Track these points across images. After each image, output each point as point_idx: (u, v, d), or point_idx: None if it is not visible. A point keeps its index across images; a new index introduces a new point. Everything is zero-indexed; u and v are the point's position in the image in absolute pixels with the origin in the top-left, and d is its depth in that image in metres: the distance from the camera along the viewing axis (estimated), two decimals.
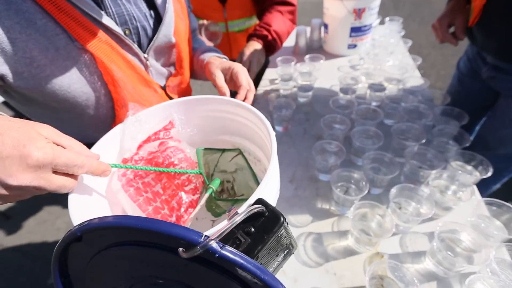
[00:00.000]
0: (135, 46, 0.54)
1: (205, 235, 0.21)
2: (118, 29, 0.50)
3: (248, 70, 0.84)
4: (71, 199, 0.34)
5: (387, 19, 1.44)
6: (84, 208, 0.35)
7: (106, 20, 0.48)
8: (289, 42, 1.53)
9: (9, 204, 1.81)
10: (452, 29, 0.97)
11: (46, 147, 0.29)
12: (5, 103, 1.76)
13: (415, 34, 3.28)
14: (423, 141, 0.73)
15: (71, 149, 0.33)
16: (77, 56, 0.46)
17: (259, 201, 0.27)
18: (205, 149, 0.51)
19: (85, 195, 0.37)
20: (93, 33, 0.46)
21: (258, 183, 0.46)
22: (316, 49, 1.44)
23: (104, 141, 0.44)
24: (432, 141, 0.77)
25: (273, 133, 0.38)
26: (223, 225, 0.26)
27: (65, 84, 0.47)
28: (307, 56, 1.18)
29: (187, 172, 0.45)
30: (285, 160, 0.83)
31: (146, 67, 0.59)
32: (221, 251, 0.20)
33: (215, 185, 0.44)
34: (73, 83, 0.48)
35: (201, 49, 0.74)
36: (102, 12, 0.47)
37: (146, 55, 0.58)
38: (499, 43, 0.81)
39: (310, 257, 0.60)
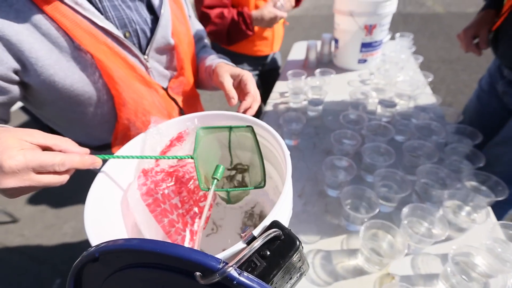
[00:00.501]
0: (134, 48, 0.57)
1: (224, 262, 0.21)
2: (117, 32, 0.53)
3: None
4: (86, 213, 0.34)
5: (397, 35, 1.45)
6: (98, 221, 0.35)
7: (105, 24, 0.51)
8: (299, 55, 1.55)
9: (17, 207, 1.84)
10: (476, 40, 1.01)
11: (18, 154, 0.32)
12: (22, 108, 1.82)
13: (424, 49, 3.28)
14: (436, 159, 0.72)
15: (57, 147, 0.37)
16: (78, 57, 0.50)
17: (275, 224, 0.27)
18: (207, 128, 0.46)
19: (100, 207, 0.38)
20: (92, 35, 0.50)
21: (263, 167, 0.43)
22: (326, 63, 1.45)
23: (124, 150, 0.45)
24: (444, 160, 0.76)
25: (287, 153, 0.38)
26: (239, 248, 0.26)
27: (67, 83, 0.51)
28: (317, 70, 1.19)
29: (180, 158, 0.44)
30: (294, 175, 0.83)
31: (146, 68, 0.61)
32: (239, 278, 0.20)
33: (218, 174, 0.42)
34: (75, 82, 0.51)
35: (208, 56, 0.75)
36: (102, 16, 0.51)
37: (146, 57, 0.60)
38: None
39: (319, 276, 0.59)
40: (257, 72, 1.39)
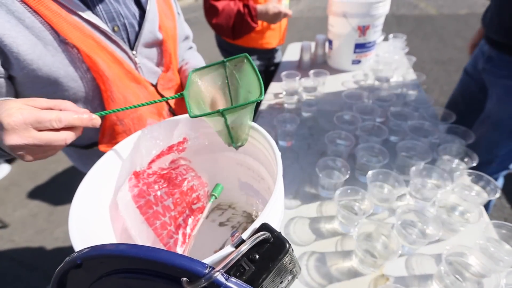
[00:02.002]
0: (122, 43, 0.56)
1: (210, 267, 0.20)
2: (104, 26, 0.52)
3: None
4: (71, 216, 0.33)
5: (390, 36, 1.46)
6: (84, 226, 0.34)
7: (91, 17, 0.50)
8: (293, 57, 1.55)
9: (7, 212, 1.80)
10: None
11: (15, 112, 0.35)
12: None
13: (417, 50, 3.32)
14: (429, 159, 0.73)
15: (57, 107, 0.39)
16: (64, 51, 0.49)
17: (264, 226, 0.27)
18: (201, 68, 0.43)
19: (87, 211, 0.37)
20: (77, 28, 0.49)
21: (260, 82, 0.37)
22: (320, 64, 1.45)
23: (118, 148, 0.45)
24: (437, 160, 0.76)
25: (278, 154, 0.37)
26: (227, 252, 0.25)
27: (51, 78, 0.49)
28: (311, 71, 1.19)
29: (173, 98, 0.41)
30: (288, 176, 0.83)
31: (135, 64, 0.61)
32: (226, 283, 0.20)
33: (217, 192, 0.43)
34: (60, 77, 0.50)
35: (190, 63, 0.75)
36: (88, 10, 0.50)
37: (134, 52, 0.59)
38: (502, 19, 0.88)
39: (313, 278, 0.58)
40: (262, 67, 1.40)
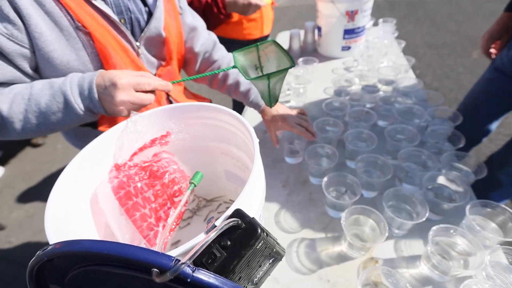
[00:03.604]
0: (128, 34, 0.60)
1: (177, 259, 0.20)
2: (114, 17, 0.57)
3: None
4: (48, 211, 0.33)
5: (380, 20, 1.44)
6: (61, 220, 0.34)
7: (105, 8, 0.55)
8: (283, 45, 1.53)
9: (3, 214, 1.79)
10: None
11: (124, 77, 0.48)
12: None
13: (410, 34, 3.29)
14: (417, 142, 0.73)
15: (142, 75, 0.51)
16: (77, 37, 0.54)
17: (237, 212, 0.27)
18: (241, 50, 0.56)
19: (64, 206, 0.36)
20: (92, 16, 0.54)
21: (289, 55, 0.52)
22: (310, 52, 1.43)
23: (103, 137, 0.45)
24: (426, 142, 0.76)
25: (256, 141, 0.37)
26: (199, 240, 0.25)
27: (64, 60, 0.54)
28: (300, 59, 1.18)
29: (227, 70, 0.55)
30: (278, 165, 0.82)
31: (137, 54, 0.65)
32: (193, 275, 0.19)
33: (196, 179, 0.43)
34: (71, 60, 0.55)
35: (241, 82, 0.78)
36: (102, 1, 0.55)
37: (138, 43, 0.64)
38: None
39: (303, 264, 0.59)
40: None
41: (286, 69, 0.50)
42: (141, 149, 0.50)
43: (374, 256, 0.58)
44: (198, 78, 0.57)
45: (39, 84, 0.51)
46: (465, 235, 0.52)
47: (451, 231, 0.54)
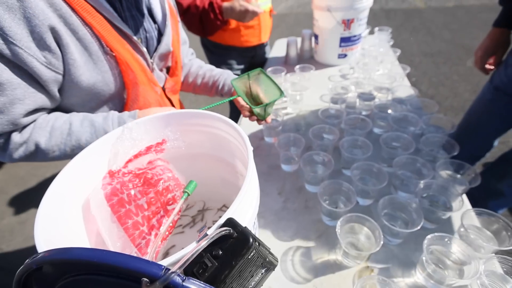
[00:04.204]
0: (145, 52, 0.64)
1: (167, 268, 0.20)
2: (135, 38, 0.60)
3: None
4: (38, 219, 0.32)
5: (376, 29, 1.46)
6: (52, 228, 0.33)
7: (128, 30, 0.58)
8: (280, 52, 1.55)
9: None
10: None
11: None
12: None
13: (406, 43, 3.34)
14: (412, 150, 0.73)
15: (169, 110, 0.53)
16: (104, 60, 0.56)
17: (229, 222, 0.26)
18: (236, 79, 0.66)
19: (56, 212, 0.36)
20: (118, 40, 0.56)
21: (277, 86, 0.63)
22: (307, 59, 1.45)
23: (99, 143, 0.44)
24: (421, 150, 0.76)
25: (250, 148, 0.37)
26: (188, 250, 0.24)
27: (90, 83, 0.56)
28: (297, 67, 1.19)
29: (235, 98, 0.67)
30: (274, 172, 0.82)
31: (151, 70, 0.68)
32: (183, 284, 0.19)
33: (190, 188, 0.43)
34: (97, 82, 0.57)
35: (219, 76, 0.86)
36: (125, 24, 0.58)
37: (151, 60, 0.67)
38: None
39: (298, 273, 0.58)
40: (245, 65, 1.38)
41: (279, 98, 0.62)
42: (136, 156, 0.49)
43: (369, 265, 0.58)
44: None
45: (77, 120, 0.55)
46: (460, 244, 0.52)
47: (446, 239, 0.53)
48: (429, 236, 0.53)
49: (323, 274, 0.57)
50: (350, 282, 0.56)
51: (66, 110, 0.60)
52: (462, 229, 0.56)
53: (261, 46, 1.38)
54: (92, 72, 0.55)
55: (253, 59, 1.39)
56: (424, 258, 0.52)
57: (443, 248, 0.55)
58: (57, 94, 0.55)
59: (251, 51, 1.33)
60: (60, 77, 0.52)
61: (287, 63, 1.43)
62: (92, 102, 0.60)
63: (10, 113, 0.48)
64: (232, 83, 0.65)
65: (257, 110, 0.66)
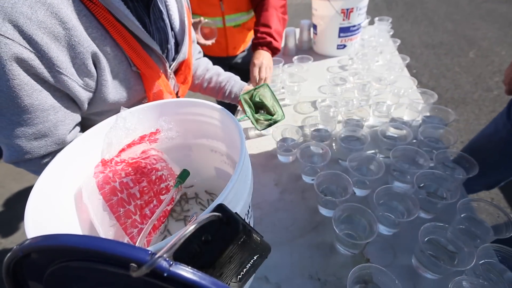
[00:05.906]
0: (167, 64, 0.65)
1: (153, 253, 0.19)
2: (160, 52, 0.61)
3: (262, 79, 0.98)
4: (28, 207, 0.32)
5: (376, 19, 1.43)
6: (44, 217, 0.33)
7: (155, 46, 0.58)
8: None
9: None
10: None
11: None
12: None
13: (408, 34, 3.30)
14: (409, 140, 0.72)
15: None
16: (131, 77, 0.57)
17: (219, 207, 0.26)
18: (246, 93, 0.65)
19: (48, 202, 0.36)
20: (146, 59, 0.57)
21: (278, 104, 0.67)
22: (306, 50, 1.43)
23: (92, 131, 0.44)
24: (418, 141, 0.76)
25: (243, 135, 0.36)
26: (176, 236, 0.24)
27: (116, 99, 0.57)
28: (295, 57, 1.17)
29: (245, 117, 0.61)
30: (271, 163, 0.82)
31: (169, 79, 0.68)
32: (170, 269, 0.19)
33: (183, 177, 0.43)
34: (121, 98, 0.58)
35: (227, 81, 0.88)
36: (153, 40, 0.58)
37: (170, 71, 0.68)
38: None
39: (294, 263, 0.58)
40: (225, 69, 1.27)
41: (279, 120, 0.66)
42: (129, 146, 0.49)
43: (365, 255, 0.58)
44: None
45: None
46: (456, 233, 0.52)
47: (442, 229, 0.53)
48: (425, 226, 0.53)
49: (319, 263, 0.57)
50: (347, 271, 0.56)
51: (83, 117, 0.61)
52: (458, 219, 0.56)
53: (234, 57, 1.28)
54: (118, 89, 0.56)
55: (231, 66, 1.30)
56: (420, 247, 0.52)
57: (439, 237, 0.55)
58: (86, 109, 0.56)
59: (225, 60, 1.25)
60: (92, 95, 0.54)
61: (285, 54, 1.41)
62: (111, 112, 0.60)
63: (54, 135, 0.50)
64: (241, 99, 0.65)
65: (259, 129, 0.66)
